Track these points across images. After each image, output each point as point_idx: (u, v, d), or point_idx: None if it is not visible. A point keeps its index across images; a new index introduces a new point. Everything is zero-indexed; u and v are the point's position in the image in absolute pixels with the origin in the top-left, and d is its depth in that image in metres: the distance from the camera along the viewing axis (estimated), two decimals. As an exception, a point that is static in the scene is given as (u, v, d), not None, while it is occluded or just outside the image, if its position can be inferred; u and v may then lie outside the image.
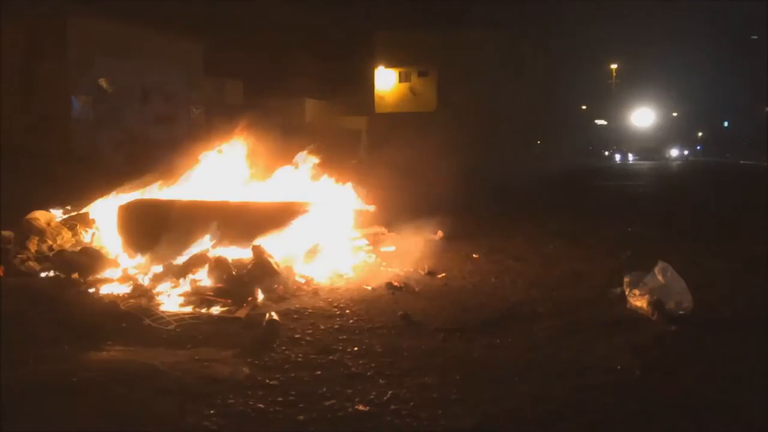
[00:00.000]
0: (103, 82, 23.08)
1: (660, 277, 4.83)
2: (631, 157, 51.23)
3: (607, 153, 60.68)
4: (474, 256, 7.27)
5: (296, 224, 6.28)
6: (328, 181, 7.36)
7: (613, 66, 64.57)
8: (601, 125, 73.73)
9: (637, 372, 3.67)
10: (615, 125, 70.26)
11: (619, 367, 3.73)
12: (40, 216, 6.66)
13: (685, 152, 57.88)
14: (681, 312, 4.65)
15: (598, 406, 3.22)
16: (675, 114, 75.25)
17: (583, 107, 74.43)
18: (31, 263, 6.03)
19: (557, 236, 8.67)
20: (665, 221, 10.81)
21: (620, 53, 69.45)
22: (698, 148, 75.14)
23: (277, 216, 6.21)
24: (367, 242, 7.55)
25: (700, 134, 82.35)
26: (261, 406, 3.14)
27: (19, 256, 6.11)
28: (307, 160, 7.40)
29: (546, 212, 12.43)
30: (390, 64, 40.98)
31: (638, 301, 4.84)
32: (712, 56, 67.35)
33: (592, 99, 73.05)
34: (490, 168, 29.58)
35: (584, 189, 19.74)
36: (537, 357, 3.91)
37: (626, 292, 5.00)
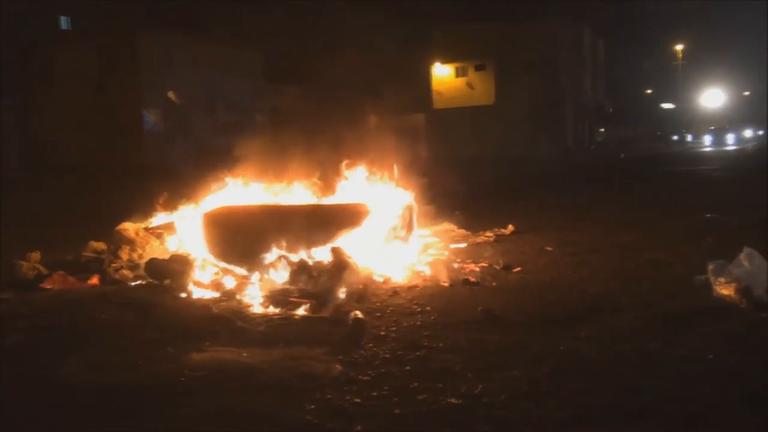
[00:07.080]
0: (171, 95, 24.04)
1: (746, 264, 4.72)
2: (710, 139, 48.39)
3: (675, 137, 58.34)
4: (548, 248, 7.23)
5: (370, 224, 6.42)
6: (392, 181, 7.46)
7: (679, 47, 62.17)
8: (667, 109, 71.25)
9: (731, 361, 3.61)
10: (682, 108, 67.72)
11: (711, 357, 3.68)
12: (129, 227, 7.04)
13: (759, 132, 54.96)
14: (771, 299, 4.53)
15: (694, 396, 3.20)
16: (746, 93, 71.82)
17: (648, 91, 72.12)
18: (124, 272, 6.40)
19: (631, 226, 8.51)
20: (743, 206, 10.39)
21: (686, 33, 67.01)
22: (773, 126, 71.27)
23: (352, 217, 6.37)
24: (438, 239, 7.65)
25: (775, 112, 78.17)
26: (358, 400, 3.27)
27: (113, 265, 6.50)
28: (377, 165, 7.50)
29: (615, 202, 12.18)
30: (446, 59, 40.88)
31: (725, 289, 4.73)
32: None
33: (658, 83, 70.76)
34: (553, 158, 29.11)
35: (653, 176, 19.15)
36: (624, 349, 3.89)
37: (711, 281, 4.90)
